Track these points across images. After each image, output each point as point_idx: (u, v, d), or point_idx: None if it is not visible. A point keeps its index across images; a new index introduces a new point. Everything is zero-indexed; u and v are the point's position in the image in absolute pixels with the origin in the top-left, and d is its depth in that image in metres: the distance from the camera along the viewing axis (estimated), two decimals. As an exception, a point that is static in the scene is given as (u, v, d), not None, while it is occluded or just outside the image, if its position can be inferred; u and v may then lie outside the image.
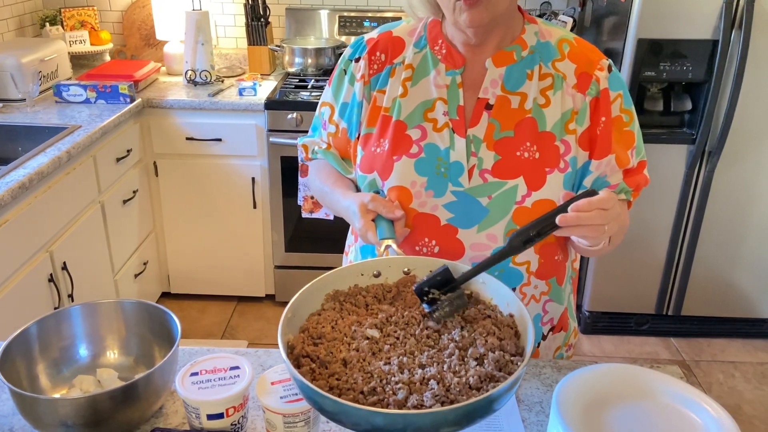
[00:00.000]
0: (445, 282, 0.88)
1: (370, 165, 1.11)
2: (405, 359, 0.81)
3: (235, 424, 0.88)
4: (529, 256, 1.09)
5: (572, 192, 1.07)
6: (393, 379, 0.78)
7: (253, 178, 2.66)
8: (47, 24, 2.93)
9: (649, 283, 2.75)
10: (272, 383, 0.88)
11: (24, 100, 2.43)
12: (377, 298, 0.94)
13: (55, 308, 1.99)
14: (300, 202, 1.32)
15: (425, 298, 0.89)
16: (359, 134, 1.13)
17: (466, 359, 0.82)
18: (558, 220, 0.84)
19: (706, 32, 2.34)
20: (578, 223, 0.84)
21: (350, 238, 1.26)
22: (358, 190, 1.16)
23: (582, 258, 2.79)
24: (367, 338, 0.86)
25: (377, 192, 1.11)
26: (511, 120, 1.05)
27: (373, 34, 1.15)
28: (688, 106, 2.50)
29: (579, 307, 2.87)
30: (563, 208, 0.85)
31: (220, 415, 0.86)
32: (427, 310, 0.89)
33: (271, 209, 2.74)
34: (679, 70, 2.41)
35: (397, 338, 0.86)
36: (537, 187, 1.04)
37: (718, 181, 2.54)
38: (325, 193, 1.17)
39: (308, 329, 0.86)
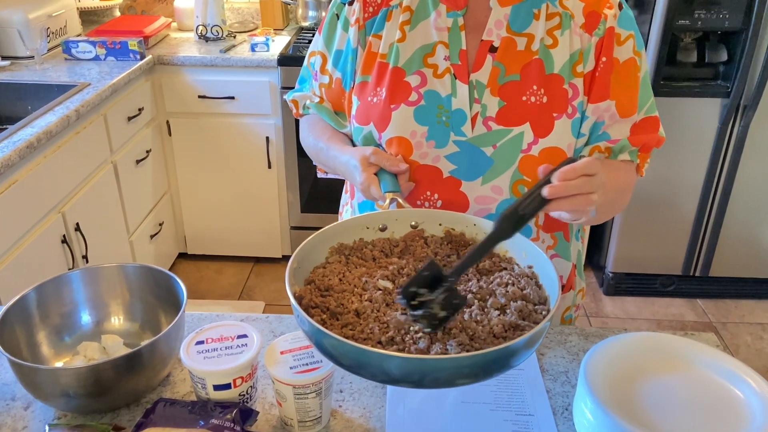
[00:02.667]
0: (434, 279, 0.76)
1: (366, 116, 1.05)
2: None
3: (244, 395, 0.84)
4: None
5: (579, 139, 1.01)
6: (412, 329, 0.75)
7: (267, 138, 2.60)
8: (55, -21, 2.84)
9: (676, 244, 2.66)
10: (281, 352, 0.83)
11: (32, 57, 2.37)
12: (384, 252, 0.90)
13: (69, 269, 1.97)
14: (315, 162, 1.26)
15: (412, 302, 0.75)
16: (354, 83, 1.06)
17: (486, 309, 0.78)
18: (546, 191, 0.75)
19: (746, -23, 2.19)
20: (567, 193, 0.76)
21: (344, 197, 1.21)
22: (354, 145, 1.10)
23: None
24: (380, 289, 0.82)
25: (377, 147, 1.04)
26: (516, 63, 0.99)
27: None
28: (724, 57, 2.37)
29: (602, 268, 2.79)
30: (546, 181, 0.77)
31: (227, 386, 0.81)
32: (413, 317, 0.75)
33: (286, 169, 2.68)
34: (715, 18, 2.27)
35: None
36: (544, 134, 0.98)
37: (753, 136, 2.42)
38: (320, 149, 1.11)
39: (314, 281, 0.82)
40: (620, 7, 0.99)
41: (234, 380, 0.81)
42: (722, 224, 2.59)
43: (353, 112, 1.07)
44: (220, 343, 0.84)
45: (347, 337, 0.72)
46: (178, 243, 2.89)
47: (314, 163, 1.18)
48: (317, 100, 1.14)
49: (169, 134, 2.64)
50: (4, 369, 0.95)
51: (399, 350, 0.72)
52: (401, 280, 0.83)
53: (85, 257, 2.06)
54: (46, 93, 2.12)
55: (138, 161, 2.43)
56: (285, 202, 2.76)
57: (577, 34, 0.98)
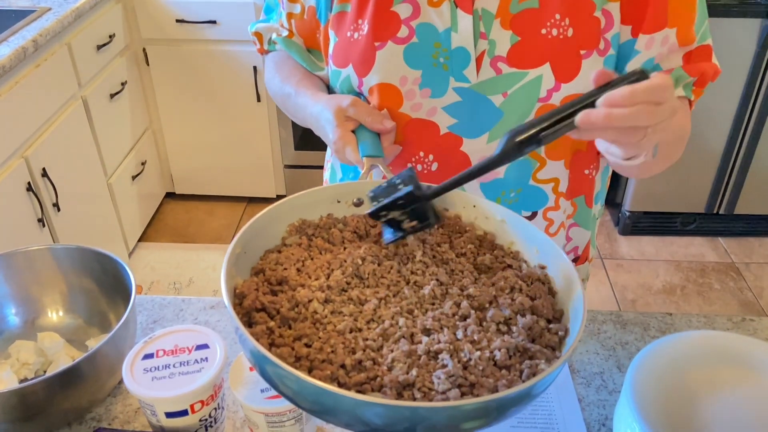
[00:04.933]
0: (410, 202, 0.65)
1: (345, 56, 0.84)
2: (402, 320, 0.59)
3: (206, 419, 0.67)
4: (558, 171, 0.84)
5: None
6: (387, 348, 0.57)
7: (254, 67, 2.35)
8: None
9: (701, 179, 2.46)
10: (251, 368, 0.66)
11: (-14, -22, 2.10)
12: (358, 233, 0.71)
13: (39, 220, 1.80)
14: (283, 110, 1.04)
15: (383, 220, 0.68)
16: (331, 14, 0.85)
17: (485, 323, 0.60)
18: (578, 119, 0.55)
19: None
20: (608, 125, 0.55)
21: (327, 152, 1.01)
22: (330, 92, 0.89)
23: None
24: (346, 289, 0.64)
25: (357, 96, 0.84)
26: None
27: None
28: (767, -30, 2.09)
29: (618, 206, 2.61)
30: (590, 99, 0.56)
31: (183, 413, 0.65)
32: (388, 240, 0.68)
33: (277, 102, 2.46)
34: (762, -76, 1.98)
35: (389, 288, 0.64)
36: (568, 78, 0.78)
37: (794, 61, 2.18)
38: (287, 95, 0.90)
39: (264, 271, 0.64)
40: None
41: (192, 405, 0.65)
42: (753, 157, 2.39)
43: (330, 50, 0.86)
44: (174, 357, 0.67)
45: (300, 358, 0.55)
46: (165, 183, 2.70)
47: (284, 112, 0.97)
48: (285, 33, 0.92)
49: (147, 64, 2.40)
50: None
51: (369, 378, 0.55)
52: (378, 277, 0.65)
53: (56, 205, 1.88)
54: (0, 20, 1.88)
55: (112, 95, 2.20)
56: (277, 138, 2.54)
57: None
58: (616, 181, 2.62)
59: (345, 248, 0.68)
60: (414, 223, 0.67)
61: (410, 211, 0.66)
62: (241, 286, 0.60)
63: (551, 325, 0.62)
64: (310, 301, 0.61)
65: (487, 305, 0.63)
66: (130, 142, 2.36)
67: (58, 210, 1.89)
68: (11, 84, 1.69)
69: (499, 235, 0.72)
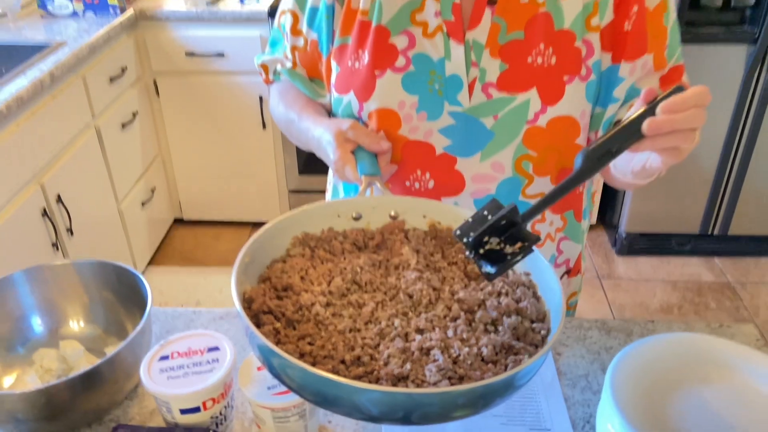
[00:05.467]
0: (508, 226, 0.64)
1: (346, 83, 0.91)
2: (397, 321, 0.65)
3: (217, 416, 0.73)
4: (545, 186, 0.90)
5: (597, 107, 0.87)
6: (383, 345, 0.63)
7: (260, 97, 2.44)
8: (28, -73, 2.64)
9: (694, 201, 2.52)
10: (258, 368, 0.72)
11: (5, 15, 2.21)
12: (357, 245, 0.77)
13: (53, 244, 1.87)
14: (287, 136, 1.12)
15: (480, 251, 0.65)
16: (332, 46, 0.92)
17: (474, 324, 0.66)
18: (646, 127, 0.62)
19: None
20: (672, 129, 0.62)
21: (330, 174, 1.07)
22: (331, 117, 0.96)
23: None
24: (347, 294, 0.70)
25: (356, 120, 0.91)
26: (520, 18, 0.84)
27: None
28: (751, 0, 2.18)
29: (615, 227, 2.66)
30: (650, 112, 0.63)
31: (196, 409, 0.71)
32: (490, 271, 0.65)
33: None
34: (744, -43, 2.07)
35: (386, 293, 0.69)
36: (553, 101, 0.85)
37: (781, 86, 2.25)
38: (291, 121, 0.97)
39: (270, 278, 0.69)
40: None
41: (204, 402, 0.71)
42: (744, 179, 2.45)
43: (332, 80, 0.93)
44: (188, 359, 0.73)
45: (304, 354, 0.61)
46: (173, 208, 2.77)
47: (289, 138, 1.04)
48: (290, 64, 0.99)
49: (157, 94, 2.49)
50: (-47, 382, 0.85)
51: (367, 372, 0.60)
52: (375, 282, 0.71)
53: (69, 230, 1.95)
54: (18, 54, 1.97)
55: (124, 124, 2.29)
56: (282, 164, 2.62)
57: None
58: (613, 202, 2.68)
59: (345, 258, 0.75)
60: (518, 245, 0.65)
61: (508, 237, 0.65)
62: (249, 292, 0.66)
63: (534, 325, 0.67)
64: (312, 304, 0.67)
65: (475, 308, 0.69)
66: (140, 169, 2.44)
67: (72, 234, 1.96)
68: (28, 114, 1.77)
69: None
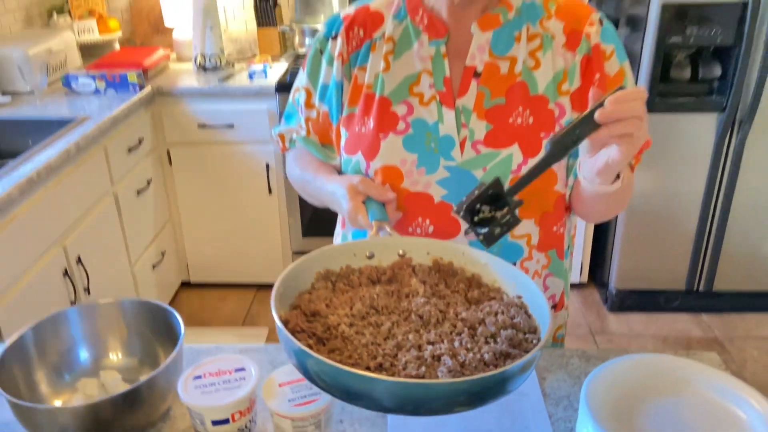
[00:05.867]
0: (495, 197, 0.83)
1: (355, 146, 1.06)
2: (411, 336, 0.77)
3: (243, 429, 0.83)
4: (529, 228, 1.04)
5: (568, 158, 1.02)
6: (401, 354, 0.74)
7: (267, 164, 2.61)
8: (54, 14, 2.89)
9: (678, 259, 2.65)
10: (280, 385, 0.83)
11: (33, 92, 2.40)
12: (371, 279, 0.90)
13: (72, 302, 1.97)
14: (302, 194, 1.27)
15: (475, 218, 0.85)
16: (341, 116, 1.08)
17: (476, 337, 0.78)
18: (598, 115, 0.76)
19: (736, -7, 2.21)
20: (620, 116, 0.76)
21: (338, 227, 1.21)
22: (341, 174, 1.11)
23: (608, 234, 2.70)
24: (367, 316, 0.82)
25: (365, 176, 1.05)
26: (501, 86, 1.00)
27: (350, 9, 1.08)
28: (718, 72, 2.38)
29: (605, 284, 2.78)
30: (600, 105, 0.77)
31: (225, 421, 0.81)
32: (480, 232, 0.85)
33: (287, 194, 2.69)
34: (707, 36, 2.28)
35: (400, 315, 0.81)
36: (533, 154, 0.99)
37: (750, 150, 2.42)
38: (306, 181, 1.12)
39: (300, 306, 0.82)
40: (600, 22, 1.00)
41: (232, 415, 0.81)
42: (724, 238, 2.58)
43: (342, 144, 1.08)
44: (218, 378, 0.84)
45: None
46: (181, 271, 2.89)
47: (302, 197, 1.19)
48: (304, 133, 1.14)
49: (170, 163, 2.66)
50: (4, 408, 0.95)
51: (388, 376, 0.71)
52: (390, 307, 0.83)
53: (87, 290, 2.06)
54: (46, 128, 2.14)
55: (139, 191, 2.44)
56: (286, 227, 2.76)
57: (559, 54, 1.00)
58: (602, 260, 2.81)
59: (363, 288, 0.87)
60: (505, 210, 0.84)
61: (498, 205, 0.84)
62: (286, 315, 0.78)
63: (527, 336, 0.79)
64: (338, 324, 0.78)
65: (477, 325, 0.80)
66: (152, 233, 2.58)
67: (89, 294, 2.07)
68: (55, 182, 1.92)
69: (484, 275, 0.90)
